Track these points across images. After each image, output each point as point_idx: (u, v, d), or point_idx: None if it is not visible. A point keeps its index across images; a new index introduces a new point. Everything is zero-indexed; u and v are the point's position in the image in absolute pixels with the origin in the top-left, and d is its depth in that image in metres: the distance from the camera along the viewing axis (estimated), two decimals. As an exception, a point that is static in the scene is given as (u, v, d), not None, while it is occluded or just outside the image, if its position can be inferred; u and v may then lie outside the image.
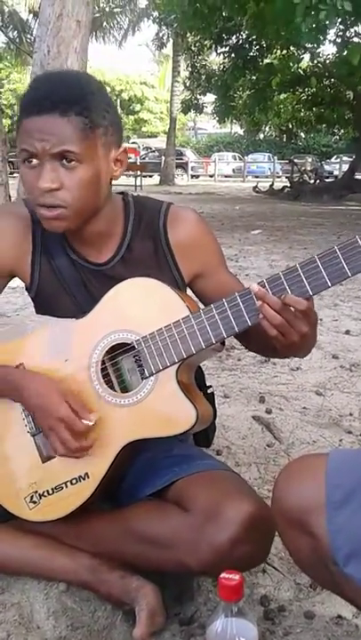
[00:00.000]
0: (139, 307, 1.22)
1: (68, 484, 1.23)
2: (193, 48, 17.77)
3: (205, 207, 12.19)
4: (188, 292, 1.37)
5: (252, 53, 15.42)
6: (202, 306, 1.27)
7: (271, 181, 20.66)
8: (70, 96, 1.15)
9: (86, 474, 1.22)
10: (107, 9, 27.27)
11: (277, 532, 1.03)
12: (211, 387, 1.50)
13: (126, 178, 18.19)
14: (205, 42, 16.18)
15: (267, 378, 2.68)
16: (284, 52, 14.54)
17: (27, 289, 1.37)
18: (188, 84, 19.30)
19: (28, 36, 25.47)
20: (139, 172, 18.15)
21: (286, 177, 20.43)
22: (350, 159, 19.46)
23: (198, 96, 19.00)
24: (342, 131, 21.67)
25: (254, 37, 14.24)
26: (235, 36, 15.18)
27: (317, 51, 14.44)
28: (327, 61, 15.45)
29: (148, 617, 1.16)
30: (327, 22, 7.80)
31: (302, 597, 1.32)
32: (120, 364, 1.24)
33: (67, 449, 1.17)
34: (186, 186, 21.76)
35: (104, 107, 1.20)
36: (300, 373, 2.73)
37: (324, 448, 2.01)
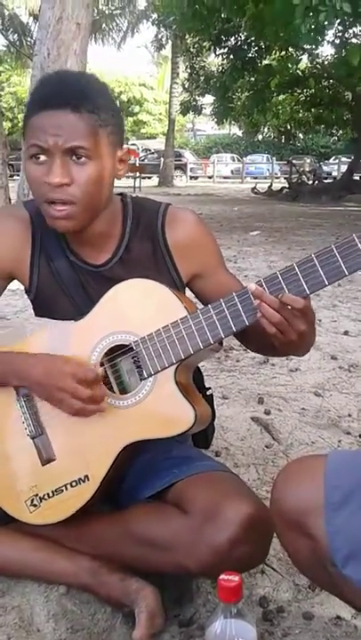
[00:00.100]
0: (137, 308, 1.22)
1: (68, 486, 1.23)
2: (192, 49, 17.79)
3: (204, 208, 12.20)
4: (187, 292, 1.37)
5: (250, 55, 15.44)
6: (201, 306, 1.27)
7: (270, 182, 20.68)
8: (82, 93, 1.17)
9: (86, 476, 1.22)
10: (106, 11, 27.30)
11: (276, 534, 1.03)
12: (210, 388, 1.50)
13: (125, 179, 18.14)
14: (204, 43, 16.20)
15: (265, 379, 2.68)
16: (283, 53, 14.55)
17: (26, 291, 1.38)
18: (186, 86, 19.32)
19: (29, 38, 25.52)
20: (137, 174, 18.15)
21: (285, 178, 20.46)
22: (349, 160, 19.47)
23: (197, 97, 19.01)
24: (341, 132, 21.74)
25: (253, 39, 14.26)
26: (233, 38, 15.20)
27: (316, 52, 14.47)
28: (326, 62, 15.48)
29: (148, 619, 1.16)
30: (326, 23, 7.80)
31: (301, 598, 1.32)
32: (119, 365, 1.24)
33: (81, 398, 1.17)
34: (185, 187, 21.76)
35: (112, 106, 1.22)
36: (299, 374, 2.73)
37: (322, 449, 2.01)
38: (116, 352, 1.23)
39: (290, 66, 14.39)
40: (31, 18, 25.13)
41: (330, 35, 11.71)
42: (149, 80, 38.25)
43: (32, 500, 1.25)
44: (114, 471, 1.21)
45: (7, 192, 5.89)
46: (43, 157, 1.17)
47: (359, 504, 0.86)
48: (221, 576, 0.86)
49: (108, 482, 1.22)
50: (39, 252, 1.33)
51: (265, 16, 9.94)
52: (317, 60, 15.50)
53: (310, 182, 17.68)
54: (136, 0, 27.50)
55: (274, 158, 28.33)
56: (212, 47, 15.75)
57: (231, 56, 15.57)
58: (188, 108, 19.44)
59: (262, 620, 1.24)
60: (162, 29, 19.87)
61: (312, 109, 18.39)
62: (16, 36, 26.22)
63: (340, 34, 12.26)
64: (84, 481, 1.22)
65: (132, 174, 18.01)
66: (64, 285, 1.33)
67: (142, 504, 1.26)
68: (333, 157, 28.59)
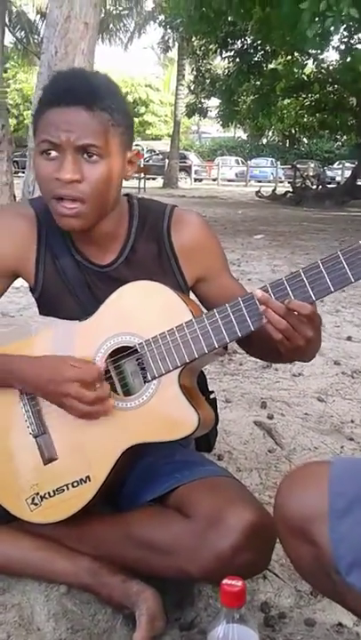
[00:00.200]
0: (142, 310, 1.22)
1: (70, 486, 1.23)
2: (198, 52, 17.84)
3: (208, 211, 12.20)
4: (191, 295, 1.37)
5: (256, 58, 15.47)
6: (204, 310, 1.27)
7: (274, 186, 20.70)
8: (96, 92, 1.17)
9: (88, 477, 1.22)
10: (113, 11, 27.33)
11: (279, 540, 1.03)
12: (213, 392, 1.50)
13: (129, 180, 18.18)
14: (211, 46, 16.23)
15: (268, 383, 2.67)
16: (289, 57, 14.57)
17: (31, 289, 1.37)
18: (192, 88, 19.37)
19: (36, 36, 25.54)
20: (142, 175, 18.16)
21: (289, 182, 20.41)
22: (353, 165, 19.46)
23: (203, 100, 19.06)
24: (345, 137, 21.76)
25: (259, 42, 14.28)
26: (240, 41, 15.24)
27: (321, 57, 14.48)
28: (331, 67, 15.49)
29: (149, 621, 1.15)
30: (332, 29, 7.81)
31: (303, 604, 1.31)
32: (123, 366, 1.24)
33: (86, 402, 1.17)
34: (189, 189, 21.78)
35: (124, 107, 1.22)
36: (302, 379, 2.73)
37: (325, 454, 2.01)
38: (120, 353, 1.22)
39: (295, 70, 14.37)
40: (38, 15, 25.16)
41: (335, 40, 11.73)
42: (155, 81, 38.30)
43: (33, 499, 1.25)
44: (115, 473, 1.21)
45: (12, 189, 5.90)
46: (54, 153, 1.17)
47: (364, 511, 0.85)
48: (225, 581, 0.85)
49: (110, 483, 1.22)
50: (45, 250, 1.33)
51: (272, 20, 9.96)
52: (323, 65, 15.51)
53: (314, 187, 17.66)
54: (143, 1, 27.53)
55: (278, 162, 28.36)
56: (219, 50, 15.78)
57: (237, 59, 15.60)
58: (194, 110, 19.48)
59: (264, 625, 1.24)
60: (169, 31, 19.91)
61: (317, 114, 18.41)
62: (23, 33, 26.23)
63: (345, 39, 12.27)
64: (85, 481, 1.22)
65: (136, 175, 18.01)
66: (70, 285, 1.32)
67: (144, 507, 1.26)
68: (337, 162, 28.60)
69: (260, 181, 25.88)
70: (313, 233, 9.19)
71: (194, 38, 16.64)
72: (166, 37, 22.03)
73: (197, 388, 1.28)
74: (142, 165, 19.20)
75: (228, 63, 16.26)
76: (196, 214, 1.38)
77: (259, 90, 16.11)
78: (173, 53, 26.13)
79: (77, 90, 1.16)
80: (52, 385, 1.19)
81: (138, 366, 1.23)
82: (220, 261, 1.38)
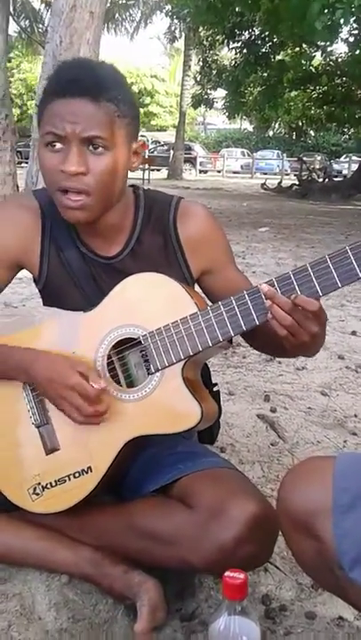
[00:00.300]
0: (147, 302, 1.21)
1: (72, 476, 1.23)
2: (205, 42, 17.68)
3: (213, 203, 12.17)
4: (196, 288, 1.36)
5: (264, 50, 15.34)
6: (209, 302, 1.27)
7: (280, 179, 20.60)
8: (102, 82, 1.15)
9: (89, 467, 1.22)
10: (119, 1, 27.16)
11: (281, 533, 1.03)
12: (216, 384, 1.49)
13: (134, 171, 18.12)
14: (218, 37, 16.07)
15: (272, 376, 2.67)
16: (297, 49, 14.45)
17: (35, 281, 1.37)
18: (198, 79, 19.21)
19: (40, 25, 25.41)
20: (147, 166, 18.10)
21: (295, 175, 20.35)
22: (360, 159, 19.38)
23: (209, 91, 18.91)
24: (352, 130, 21.57)
25: (267, 34, 14.16)
26: (247, 32, 15.09)
27: (329, 49, 14.36)
28: (339, 60, 15.37)
29: (150, 612, 1.16)
30: (342, 20, 7.73)
31: (304, 597, 1.32)
32: (127, 358, 1.24)
33: (82, 415, 1.17)
34: (194, 181, 21.71)
35: (130, 98, 1.21)
36: (306, 373, 2.73)
37: (328, 449, 2.01)
38: (124, 345, 1.22)
39: (303, 62, 14.27)
40: (43, 4, 25.02)
41: (344, 32, 11.61)
42: (161, 72, 38.09)
43: (34, 489, 1.25)
44: (117, 464, 1.21)
45: (15, 179, 5.89)
46: (59, 145, 1.16)
47: (368, 507, 0.85)
48: (227, 573, 0.85)
49: (112, 474, 1.22)
50: (49, 241, 1.32)
51: (280, 11, 9.87)
52: (331, 57, 15.38)
53: (320, 180, 17.58)
54: (150, -9, 27.35)
55: (284, 155, 28.23)
56: (226, 41, 15.63)
57: (244, 50, 15.46)
58: (200, 101, 19.34)
59: (265, 617, 1.24)
60: (175, 21, 19.74)
61: (324, 107, 18.25)
62: (27, 22, 26.10)
63: (355, 31, 12.16)
64: (87, 472, 1.22)
65: (141, 166, 17.95)
66: (75, 276, 1.32)
67: (147, 498, 1.26)
68: (344, 155, 28.46)
69: (265, 174, 25.81)
70: (319, 226, 9.15)
71: (201, 29, 16.51)
72: (173, 28, 21.87)
73: (201, 381, 1.28)
74: (147, 156, 19.16)
75: (235, 54, 16.13)
76: (202, 206, 1.37)
77: (266, 81, 15.97)
78: (180, 44, 25.99)
79: (83, 80, 1.14)
80: (54, 385, 1.18)
81: (142, 358, 1.22)
82: (226, 254, 1.38)
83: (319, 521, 0.87)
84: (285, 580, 1.37)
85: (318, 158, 26.48)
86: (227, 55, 18.80)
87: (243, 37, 15.31)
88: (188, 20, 16.02)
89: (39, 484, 1.25)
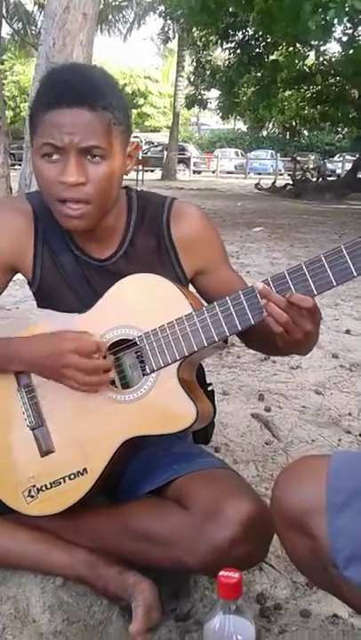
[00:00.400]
0: (141, 303, 1.21)
1: (67, 478, 1.23)
2: (198, 43, 17.69)
3: (207, 203, 12.17)
4: (191, 288, 1.37)
5: (257, 50, 15.35)
6: (204, 303, 1.27)
7: (273, 179, 20.64)
8: (97, 91, 1.15)
9: (85, 469, 1.22)
10: (112, 2, 27.15)
11: (276, 532, 1.03)
12: (211, 384, 1.49)
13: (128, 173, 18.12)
14: (211, 37, 16.10)
15: (266, 376, 2.67)
16: (290, 49, 14.48)
17: (29, 283, 1.37)
18: (192, 80, 19.24)
19: (33, 27, 25.39)
20: (140, 167, 18.09)
21: (289, 174, 20.36)
22: (353, 158, 19.40)
23: (202, 91, 18.92)
24: (346, 129, 21.65)
25: (260, 34, 14.18)
26: (241, 32, 15.11)
27: (323, 49, 14.40)
28: (333, 59, 15.40)
29: (145, 613, 1.16)
30: (336, 20, 7.75)
31: (298, 596, 1.32)
32: (122, 359, 1.24)
33: (88, 372, 1.16)
34: (188, 181, 21.72)
35: (123, 104, 1.20)
36: (300, 372, 2.73)
37: (322, 447, 2.01)
38: (119, 346, 1.22)
39: (297, 62, 14.30)
40: (36, 6, 25.00)
41: (338, 32, 11.65)
42: (154, 73, 38.09)
43: (29, 491, 1.25)
44: (112, 465, 1.21)
45: (8, 181, 5.87)
46: (56, 156, 1.15)
47: (362, 505, 0.85)
48: (221, 572, 0.86)
49: (107, 476, 1.22)
50: (42, 245, 1.32)
51: (273, 11, 9.88)
52: (324, 56, 15.41)
53: (314, 179, 17.62)
54: (143, -8, 27.35)
55: (278, 154, 28.27)
56: (219, 41, 15.66)
57: (238, 50, 15.48)
58: (193, 101, 19.34)
59: (259, 616, 1.24)
60: (169, 22, 19.74)
61: (318, 106, 18.29)
62: (20, 24, 26.07)
63: (349, 31, 12.20)
64: (82, 474, 1.22)
65: (135, 167, 17.94)
66: (68, 279, 1.32)
67: (142, 499, 1.26)
68: (338, 155, 28.51)
69: (259, 174, 25.84)
70: (312, 226, 9.17)
71: (194, 29, 16.49)
72: (166, 28, 21.83)
73: (196, 381, 1.28)
74: (140, 157, 19.16)
75: (229, 54, 16.14)
76: (196, 207, 1.37)
77: (259, 81, 15.99)
78: (173, 44, 25.98)
79: (79, 90, 1.13)
80: (51, 358, 1.18)
81: (137, 359, 1.22)
82: (220, 254, 1.38)
83: (313, 519, 0.87)
84: (280, 578, 1.37)
85: (312, 158, 26.54)
86: (220, 55, 18.82)
87: (236, 38, 15.33)
88: (181, 21, 16.01)
89: (34, 486, 1.25)
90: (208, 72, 17.66)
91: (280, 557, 1.41)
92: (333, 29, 9.54)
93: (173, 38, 22.86)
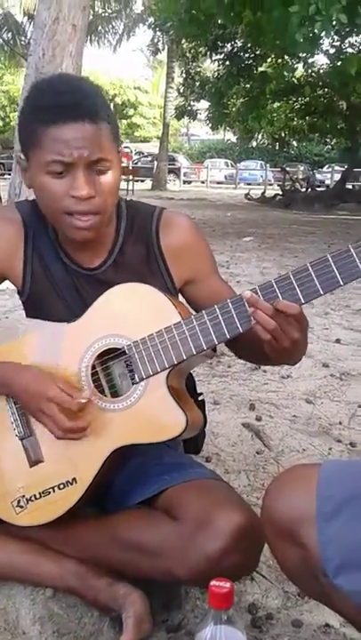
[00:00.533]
0: (130, 312, 1.21)
1: (56, 488, 1.22)
2: (188, 55, 17.81)
3: (197, 213, 12.22)
4: (181, 298, 1.37)
5: (246, 61, 15.50)
6: (193, 312, 1.27)
7: (263, 189, 20.75)
8: (97, 103, 1.16)
9: (74, 479, 1.21)
10: (102, 13, 27.31)
11: (266, 541, 1.03)
12: (202, 394, 1.49)
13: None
14: (200, 49, 16.23)
15: (257, 385, 2.68)
16: (279, 60, 14.63)
17: (18, 292, 1.37)
18: (181, 91, 19.34)
19: (23, 38, 25.48)
20: (131, 177, 18.14)
21: (278, 185, 20.52)
22: (342, 169, 19.60)
23: (192, 102, 19.03)
24: (335, 140, 21.84)
25: (249, 46, 14.32)
26: (230, 44, 15.25)
27: (311, 60, 14.56)
28: (321, 71, 15.58)
29: (136, 624, 1.15)
30: (323, 33, 7.85)
31: (290, 605, 1.31)
32: (111, 368, 1.24)
33: (61, 429, 1.16)
34: (178, 191, 21.80)
35: (111, 110, 1.22)
36: (291, 381, 2.74)
37: (313, 456, 2.01)
38: (108, 355, 1.22)
39: (285, 74, 14.43)
40: (26, 17, 25.11)
41: (326, 44, 11.81)
42: (144, 83, 38.31)
43: (18, 502, 1.24)
44: (102, 475, 1.21)
45: (-2, 191, 5.87)
46: (64, 171, 1.15)
47: (352, 514, 0.85)
48: (212, 582, 0.85)
49: (96, 485, 1.21)
50: (32, 253, 1.32)
51: (262, 24, 9.99)
52: (313, 68, 15.59)
53: (303, 190, 17.75)
54: (133, 3, 27.52)
55: (268, 165, 28.46)
56: (209, 53, 15.78)
57: (227, 62, 15.62)
58: (183, 112, 19.44)
59: (251, 626, 1.24)
60: (158, 34, 19.86)
61: (307, 117, 18.48)
62: (10, 34, 26.14)
63: (337, 43, 12.35)
64: (71, 483, 1.21)
65: (125, 177, 17.99)
66: (57, 288, 1.32)
67: (132, 509, 1.25)
68: (327, 166, 28.78)
69: (249, 184, 26.01)
70: (302, 236, 9.23)
71: (184, 41, 16.62)
72: (156, 40, 21.98)
73: (186, 390, 1.28)
74: (131, 167, 19.23)
75: (218, 66, 16.27)
76: (185, 216, 1.38)
77: (248, 93, 16.13)
78: (163, 56, 26.15)
79: (80, 104, 1.13)
80: (34, 400, 1.18)
81: (126, 368, 1.22)
82: (209, 263, 1.38)
83: (304, 528, 0.87)
84: (272, 588, 1.37)
85: (301, 168, 26.73)
86: (210, 67, 18.98)
87: (225, 49, 15.46)
88: (170, 33, 16.11)
89: (23, 496, 1.24)
90: (197, 83, 17.78)
91: (271, 567, 1.41)
92: (321, 42, 9.66)
93: (163, 50, 22.99)
